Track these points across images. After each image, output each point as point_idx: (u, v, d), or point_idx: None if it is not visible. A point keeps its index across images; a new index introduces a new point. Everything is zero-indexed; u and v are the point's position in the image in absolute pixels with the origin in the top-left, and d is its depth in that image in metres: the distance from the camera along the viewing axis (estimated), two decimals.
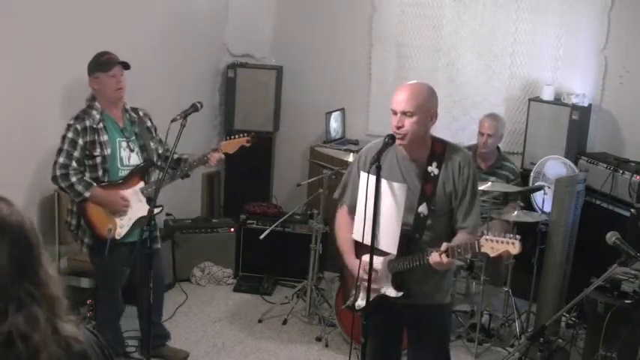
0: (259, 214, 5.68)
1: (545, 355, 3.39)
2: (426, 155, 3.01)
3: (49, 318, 1.36)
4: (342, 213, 3.24)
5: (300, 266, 5.28)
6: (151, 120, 4.13)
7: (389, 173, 2.95)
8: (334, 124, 6.07)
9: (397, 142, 2.94)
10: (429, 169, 2.99)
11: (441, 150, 3.01)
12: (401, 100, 2.93)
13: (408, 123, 2.91)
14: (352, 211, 3.13)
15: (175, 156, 4.05)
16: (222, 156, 4.02)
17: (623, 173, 4.84)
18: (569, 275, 4.74)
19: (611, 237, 3.18)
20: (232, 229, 5.66)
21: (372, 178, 2.89)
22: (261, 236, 5.03)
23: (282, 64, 6.28)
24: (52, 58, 4.29)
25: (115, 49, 4.80)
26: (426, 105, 2.95)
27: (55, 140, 4.39)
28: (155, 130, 4.13)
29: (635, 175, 4.74)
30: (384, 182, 2.90)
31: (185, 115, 3.76)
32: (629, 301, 3.81)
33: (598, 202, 4.98)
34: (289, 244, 5.51)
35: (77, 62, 4.51)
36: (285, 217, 5.24)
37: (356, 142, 6.01)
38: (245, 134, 4.12)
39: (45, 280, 1.38)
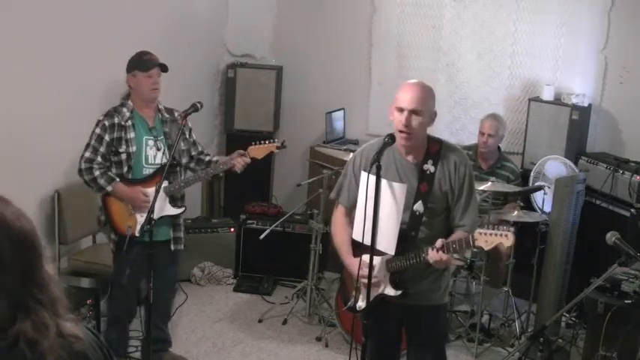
0: (259, 214, 5.68)
1: (545, 355, 3.38)
2: (422, 154, 3.01)
3: (55, 321, 1.35)
4: (338, 214, 3.24)
5: (300, 266, 5.27)
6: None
7: (386, 172, 2.94)
8: (337, 123, 6.08)
9: (402, 141, 2.94)
10: (425, 167, 2.99)
11: (436, 149, 3.02)
12: (411, 98, 2.92)
13: (416, 122, 2.91)
14: (349, 212, 3.13)
15: (208, 159, 4.10)
16: (248, 161, 3.98)
17: (623, 173, 4.84)
18: (569, 275, 4.74)
19: (611, 237, 3.18)
20: (232, 229, 5.66)
21: (372, 177, 2.89)
22: (261, 236, 5.03)
23: (282, 64, 6.28)
24: (50, 59, 4.28)
25: (115, 48, 4.81)
26: (431, 105, 2.98)
27: (55, 141, 4.40)
28: (190, 131, 4.13)
29: (635, 175, 4.74)
30: (383, 182, 2.89)
31: (185, 115, 3.78)
32: (629, 301, 3.81)
33: (598, 202, 4.98)
34: (289, 244, 5.50)
35: (77, 63, 4.51)
36: (285, 217, 5.24)
37: (356, 142, 6.00)
38: (275, 140, 4.09)
39: (47, 281, 1.38)
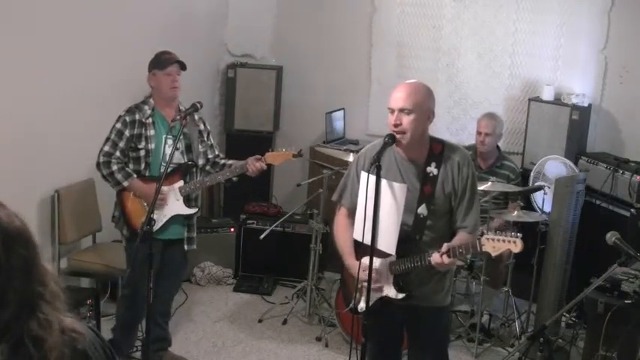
0: (259, 214, 5.68)
1: (545, 355, 3.38)
2: (424, 155, 3.00)
3: (56, 316, 1.35)
4: (340, 215, 3.23)
5: (300, 266, 5.27)
6: (204, 124, 4.16)
7: (388, 174, 2.95)
8: (337, 123, 6.07)
9: (399, 140, 2.94)
10: (428, 169, 2.98)
11: (439, 150, 3.01)
12: (399, 97, 2.93)
13: (406, 121, 2.91)
14: (351, 213, 3.13)
15: (223, 162, 4.14)
16: (264, 166, 4.00)
17: (623, 173, 4.84)
18: (569, 275, 4.74)
19: (611, 237, 3.17)
20: (232, 229, 5.66)
21: (372, 178, 2.88)
22: (261, 236, 5.03)
23: (282, 64, 6.28)
24: (50, 59, 4.28)
25: (115, 49, 4.82)
26: (424, 103, 2.95)
27: (55, 141, 4.40)
28: (208, 134, 4.16)
29: (635, 175, 4.74)
30: (384, 182, 2.89)
31: (185, 115, 3.78)
32: (629, 301, 3.80)
33: (598, 202, 4.98)
34: (289, 244, 5.50)
35: (77, 63, 4.51)
36: (285, 217, 5.24)
37: (356, 142, 6.01)
38: (292, 148, 4.11)
39: (46, 277, 1.38)
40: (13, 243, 1.33)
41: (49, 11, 4.24)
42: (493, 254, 2.82)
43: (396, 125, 2.91)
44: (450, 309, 3.74)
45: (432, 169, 2.98)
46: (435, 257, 2.85)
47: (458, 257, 2.87)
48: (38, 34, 4.17)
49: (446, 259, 2.82)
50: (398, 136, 2.92)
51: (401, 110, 2.91)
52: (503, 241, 2.76)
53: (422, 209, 2.97)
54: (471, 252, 2.88)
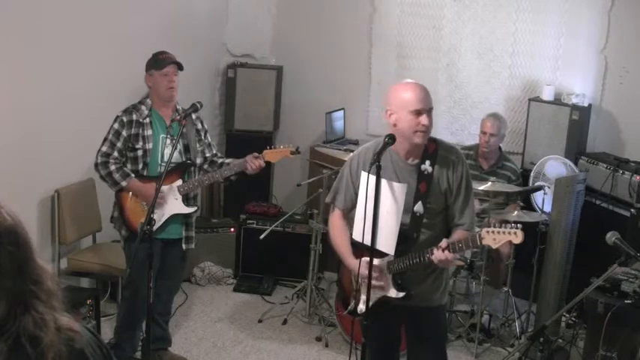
0: (259, 214, 5.68)
1: (545, 355, 3.39)
2: (419, 154, 3.01)
3: (52, 315, 1.35)
4: (335, 217, 3.23)
5: (300, 266, 5.27)
6: (202, 123, 4.16)
7: (384, 173, 2.93)
8: (337, 123, 6.08)
9: (421, 139, 2.91)
10: (423, 167, 2.99)
11: (433, 148, 3.02)
12: (424, 97, 2.92)
13: (430, 120, 2.93)
14: (345, 215, 3.14)
15: (221, 160, 4.14)
16: (263, 164, 4.00)
17: (623, 173, 4.84)
18: (569, 275, 4.74)
19: (611, 237, 3.18)
20: (232, 229, 5.66)
21: (372, 178, 2.88)
22: (261, 236, 5.02)
23: (282, 64, 6.29)
24: (50, 60, 4.28)
25: (115, 48, 4.82)
26: None
27: (55, 141, 4.40)
28: (206, 133, 4.16)
29: (635, 175, 4.74)
30: (383, 182, 2.89)
31: (185, 115, 3.78)
32: (629, 301, 3.80)
33: (598, 202, 4.98)
34: (289, 244, 5.50)
35: (77, 64, 4.52)
36: (285, 217, 5.23)
37: (356, 142, 6.00)
38: (290, 145, 4.12)
39: (41, 274, 1.38)
40: (7, 244, 1.33)
41: (49, 12, 4.24)
42: (494, 246, 2.80)
43: (428, 125, 2.90)
44: (447, 308, 3.74)
45: (426, 167, 2.99)
46: (437, 253, 2.84)
47: (458, 252, 2.87)
48: (38, 34, 4.17)
49: (447, 254, 2.82)
50: (425, 135, 2.91)
51: (430, 110, 2.92)
52: (504, 232, 2.75)
53: (418, 207, 2.98)
54: (471, 246, 2.87)
